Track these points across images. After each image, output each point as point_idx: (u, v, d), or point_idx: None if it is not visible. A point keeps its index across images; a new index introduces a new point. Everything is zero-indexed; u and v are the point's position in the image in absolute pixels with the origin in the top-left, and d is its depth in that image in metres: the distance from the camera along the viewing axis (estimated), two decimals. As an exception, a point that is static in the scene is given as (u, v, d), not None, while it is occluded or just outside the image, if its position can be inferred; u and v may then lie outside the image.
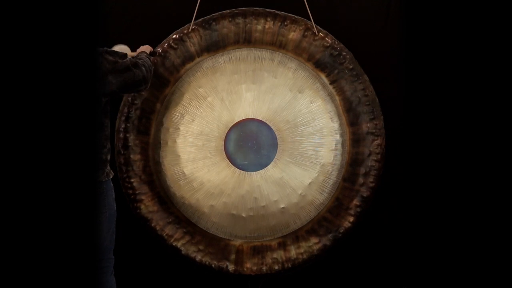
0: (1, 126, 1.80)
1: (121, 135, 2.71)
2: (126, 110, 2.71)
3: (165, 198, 2.76)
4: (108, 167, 2.36)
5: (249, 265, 2.76)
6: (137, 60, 2.45)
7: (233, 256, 2.76)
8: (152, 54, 2.63)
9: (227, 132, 2.72)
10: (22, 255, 1.84)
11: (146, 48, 2.64)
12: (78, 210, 1.95)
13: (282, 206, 2.76)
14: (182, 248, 2.76)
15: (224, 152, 2.73)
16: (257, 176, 2.74)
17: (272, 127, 2.73)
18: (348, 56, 2.72)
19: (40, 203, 1.86)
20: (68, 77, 1.95)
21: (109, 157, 2.37)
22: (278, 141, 2.73)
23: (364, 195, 2.75)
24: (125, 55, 2.44)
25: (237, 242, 2.78)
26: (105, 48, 2.36)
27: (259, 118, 2.73)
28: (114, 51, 2.40)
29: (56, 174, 1.89)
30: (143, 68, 2.42)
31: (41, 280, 1.85)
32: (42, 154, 1.86)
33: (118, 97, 2.67)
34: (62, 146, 1.92)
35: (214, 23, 2.70)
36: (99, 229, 2.30)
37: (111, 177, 2.36)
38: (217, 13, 2.72)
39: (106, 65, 2.30)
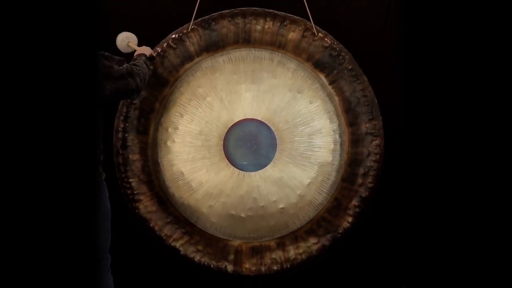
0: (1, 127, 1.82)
1: (120, 135, 2.70)
2: (124, 109, 2.70)
3: (164, 198, 2.76)
4: (101, 168, 2.35)
5: (248, 266, 2.75)
6: (133, 67, 2.41)
7: (232, 257, 2.76)
8: (151, 58, 2.61)
9: (226, 132, 2.72)
10: (21, 255, 1.85)
11: (146, 50, 2.62)
12: (76, 211, 1.97)
13: (281, 206, 2.75)
14: (181, 248, 2.76)
15: (223, 152, 2.73)
16: (256, 176, 2.73)
17: (271, 127, 2.73)
18: (347, 57, 2.71)
19: (36, 204, 1.88)
20: (68, 77, 1.95)
21: (102, 157, 2.35)
22: (277, 141, 2.73)
23: (363, 195, 2.74)
24: (122, 60, 2.41)
25: (236, 243, 2.77)
26: (103, 52, 2.35)
27: (258, 118, 2.73)
28: (111, 56, 2.38)
29: (54, 176, 1.91)
30: (137, 78, 2.39)
31: (42, 279, 1.86)
32: (39, 155, 1.87)
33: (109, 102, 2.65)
34: (60, 147, 1.93)
35: (213, 23, 2.70)
36: (98, 228, 2.30)
37: (103, 177, 2.35)
38: (216, 13, 2.72)
39: (102, 69, 2.28)
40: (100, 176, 2.33)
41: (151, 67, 2.63)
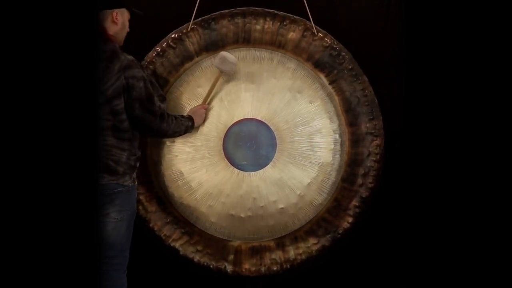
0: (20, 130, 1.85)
1: (120, 134, 2.69)
2: (124, 109, 2.70)
3: (163, 198, 2.76)
4: (135, 174, 2.46)
5: (248, 266, 2.75)
6: (170, 119, 2.47)
7: (231, 257, 2.75)
8: (192, 126, 2.61)
9: (226, 132, 2.71)
10: (42, 250, 1.88)
11: (200, 117, 2.64)
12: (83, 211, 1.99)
13: (280, 206, 2.75)
14: (180, 249, 2.75)
15: (222, 152, 2.72)
16: (255, 177, 2.73)
17: (271, 127, 2.72)
18: (347, 56, 2.71)
19: (41, 205, 1.90)
20: (67, 78, 1.96)
21: (138, 164, 2.46)
22: (277, 141, 2.72)
23: (363, 195, 2.73)
24: (164, 97, 2.49)
25: (236, 243, 2.77)
26: (151, 78, 2.45)
27: (258, 118, 2.72)
28: (157, 86, 2.46)
29: (58, 177, 1.93)
30: (164, 124, 2.44)
31: (54, 275, 1.89)
32: (40, 157, 1.89)
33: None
34: (60, 148, 1.95)
35: (213, 22, 2.70)
36: (122, 225, 2.41)
37: (136, 182, 2.47)
38: (216, 13, 2.72)
39: (142, 92, 2.35)
40: (134, 181, 2.44)
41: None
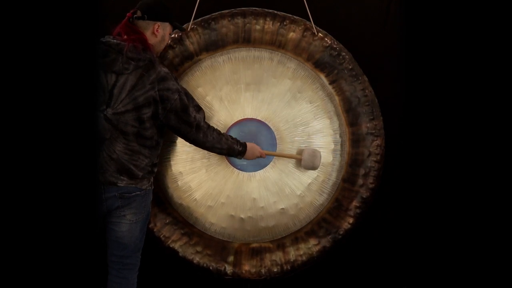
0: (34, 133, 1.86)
1: (119, 134, 2.68)
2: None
3: (163, 199, 2.74)
4: (152, 178, 2.48)
5: (248, 267, 2.74)
6: (210, 131, 2.46)
7: (231, 258, 2.74)
8: (240, 153, 2.56)
9: (226, 132, 2.70)
10: (62, 248, 2.00)
11: (253, 154, 2.60)
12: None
13: (281, 207, 2.74)
14: (180, 250, 2.74)
15: (222, 152, 2.71)
16: (256, 177, 2.72)
17: (271, 127, 2.71)
18: (347, 56, 2.71)
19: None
20: (66, 80, 1.95)
21: (155, 169, 2.48)
22: (277, 141, 2.72)
23: (364, 196, 2.73)
24: (200, 108, 2.48)
25: (236, 244, 2.76)
26: (185, 89, 2.46)
27: (258, 118, 2.71)
28: (192, 97, 2.47)
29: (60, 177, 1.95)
30: (200, 134, 2.43)
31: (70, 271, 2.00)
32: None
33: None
34: (61, 150, 1.95)
35: (213, 22, 2.69)
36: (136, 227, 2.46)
37: (153, 186, 2.50)
38: (216, 13, 2.71)
39: (177, 104, 2.37)
40: (151, 185, 2.48)
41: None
